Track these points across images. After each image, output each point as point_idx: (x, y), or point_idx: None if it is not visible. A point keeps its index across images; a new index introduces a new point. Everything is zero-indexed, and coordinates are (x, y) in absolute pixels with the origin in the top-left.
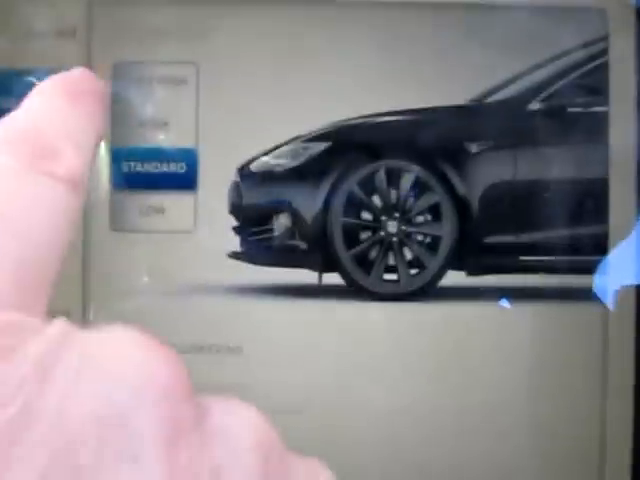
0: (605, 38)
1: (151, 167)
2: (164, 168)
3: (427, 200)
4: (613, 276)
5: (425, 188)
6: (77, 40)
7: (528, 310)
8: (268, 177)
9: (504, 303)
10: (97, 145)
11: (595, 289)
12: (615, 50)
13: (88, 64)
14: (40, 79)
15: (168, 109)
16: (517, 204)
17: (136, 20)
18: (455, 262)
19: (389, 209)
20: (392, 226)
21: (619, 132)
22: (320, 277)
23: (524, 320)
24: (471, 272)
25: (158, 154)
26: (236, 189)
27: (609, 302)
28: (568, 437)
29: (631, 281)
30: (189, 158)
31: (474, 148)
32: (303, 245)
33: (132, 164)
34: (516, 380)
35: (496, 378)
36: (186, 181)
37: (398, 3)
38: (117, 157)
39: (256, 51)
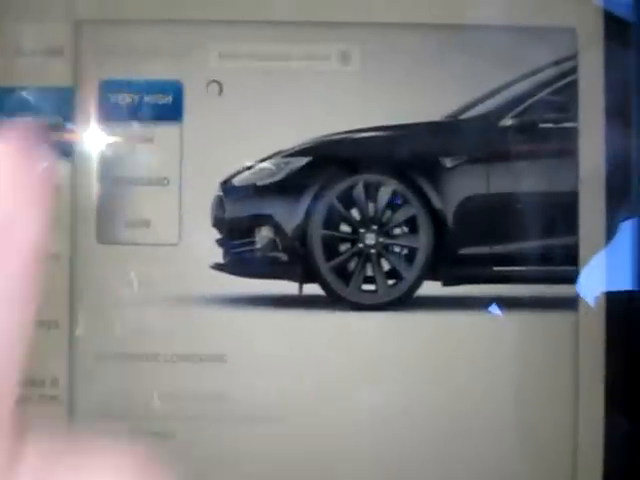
0: (574, 57)
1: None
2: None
3: (404, 213)
4: (584, 285)
5: (402, 201)
6: (65, 58)
7: (502, 318)
8: (250, 191)
9: (487, 311)
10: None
11: (566, 298)
12: (584, 68)
13: (75, 82)
14: (29, 96)
15: (152, 129)
16: (490, 216)
17: (122, 39)
18: (431, 273)
19: (367, 222)
20: (370, 238)
21: (588, 147)
22: (301, 288)
23: (498, 328)
24: (446, 282)
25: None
26: (219, 203)
27: (580, 310)
28: (542, 438)
29: (601, 289)
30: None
31: (449, 163)
32: (284, 257)
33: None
34: (491, 385)
35: (471, 383)
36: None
37: (374, 24)
38: None
39: (240, 70)
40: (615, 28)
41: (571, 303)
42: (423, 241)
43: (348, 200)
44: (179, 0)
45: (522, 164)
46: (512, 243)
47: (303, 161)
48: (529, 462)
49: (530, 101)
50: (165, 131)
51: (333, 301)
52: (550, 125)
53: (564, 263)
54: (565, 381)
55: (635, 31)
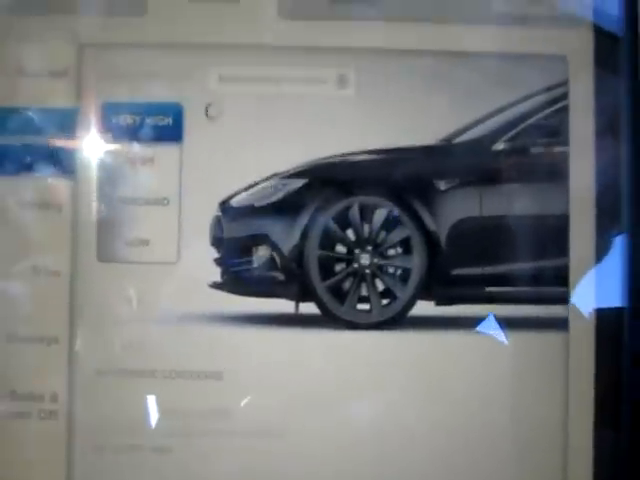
0: (565, 83)
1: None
2: (148, 205)
3: (398, 234)
4: (574, 305)
5: (396, 223)
6: (68, 80)
7: (494, 338)
8: (248, 211)
9: (479, 331)
10: None
11: (557, 318)
12: (575, 94)
13: (78, 103)
14: (33, 116)
15: (153, 149)
16: (483, 238)
17: (124, 62)
18: (424, 293)
19: (362, 242)
20: (365, 258)
21: (579, 171)
22: (297, 306)
23: (491, 347)
24: (440, 302)
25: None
26: (218, 223)
27: (570, 329)
28: (533, 456)
29: (591, 310)
30: (171, 194)
31: (442, 185)
32: (281, 276)
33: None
34: (484, 403)
35: (464, 401)
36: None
37: (370, 49)
38: None
39: (239, 93)
40: (605, 55)
41: (561, 323)
42: (417, 262)
43: (344, 221)
44: (180, 25)
45: (514, 187)
46: (504, 264)
47: (300, 183)
48: (521, 478)
49: (522, 126)
50: (165, 152)
51: (328, 320)
52: (541, 149)
53: (554, 284)
54: (555, 399)
55: (624, 52)
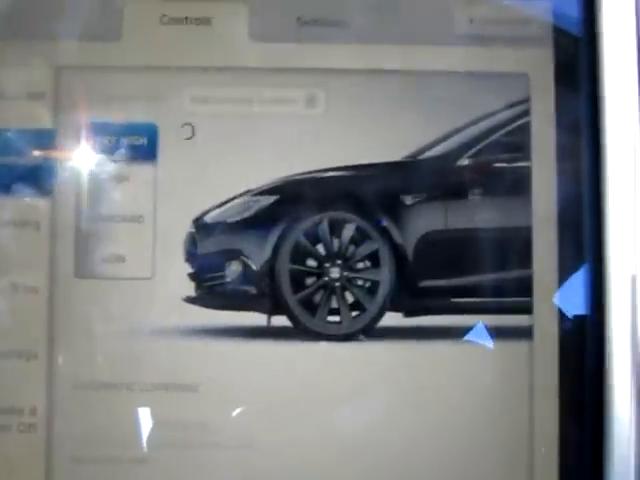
0: (527, 100)
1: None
2: (124, 222)
3: (367, 248)
4: (538, 315)
5: (365, 237)
6: (46, 102)
7: (460, 347)
8: (221, 228)
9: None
10: None
11: (521, 327)
12: (537, 110)
13: (55, 124)
14: (11, 137)
15: (128, 168)
16: (448, 251)
17: (100, 84)
18: (393, 304)
19: (332, 257)
20: (335, 272)
21: (541, 185)
22: (269, 319)
23: (456, 357)
24: (408, 313)
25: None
26: (191, 239)
27: (534, 338)
28: (498, 464)
29: (555, 319)
30: (146, 212)
31: (409, 200)
32: (253, 290)
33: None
34: (451, 411)
35: (431, 410)
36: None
37: (338, 70)
38: None
39: (212, 114)
40: (566, 72)
41: (525, 332)
42: (385, 275)
43: (314, 236)
44: (154, 48)
45: (478, 201)
46: (469, 276)
47: (271, 199)
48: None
49: (485, 142)
50: (140, 171)
51: (300, 332)
52: (504, 165)
53: (518, 294)
54: (520, 407)
55: (584, 69)
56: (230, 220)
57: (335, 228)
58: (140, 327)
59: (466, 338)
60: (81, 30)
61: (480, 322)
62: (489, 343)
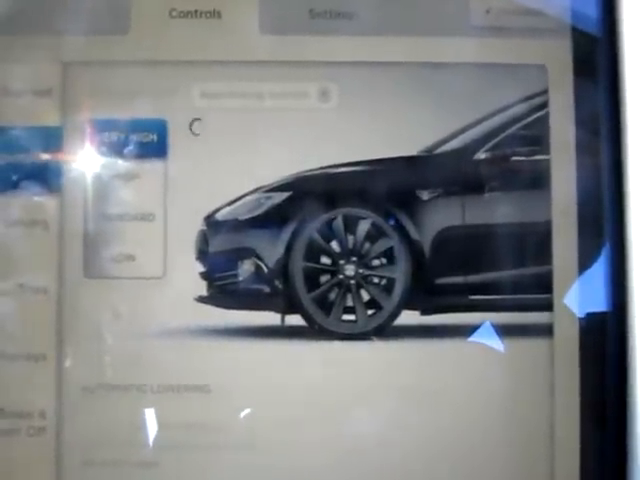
0: (545, 92)
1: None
2: (134, 221)
3: (382, 245)
4: (559, 312)
5: (380, 234)
6: (53, 99)
7: (479, 346)
8: (233, 225)
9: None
10: None
11: (541, 324)
12: (555, 102)
13: (63, 121)
14: (18, 135)
15: (138, 166)
16: (466, 247)
17: (108, 80)
18: (409, 302)
19: (347, 254)
20: (350, 270)
21: (560, 178)
22: (283, 318)
23: (477, 355)
24: (424, 311)
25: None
26: (203, 237)
27: (555, 336)
28: (520, 463)
29: (575, 316)
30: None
31: (425, 195)
32: (266, 289)
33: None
34: (472, 410)
35: (453, 408)
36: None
37: (352, 63)
38: None
39: (222, 109)
40: (584, 63)
41: (546, 330)
42: (401, 272)
43: (328, 233)
44: (163, 42)
45: (496, 196)
46: (487, 272)
47: (283, 196)
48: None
49: (503, 135)
50: (150, 168)
51: (314, 331)
52: (523, 158)
53: (538, 291)
54: (542, 405)
55: (603, 59)
56: (242, 218)
57: (349, 225)
58: (150, 328)
59: (484, 337)
60: (88, 24)
61: (499, 320)
62: (508, 342)
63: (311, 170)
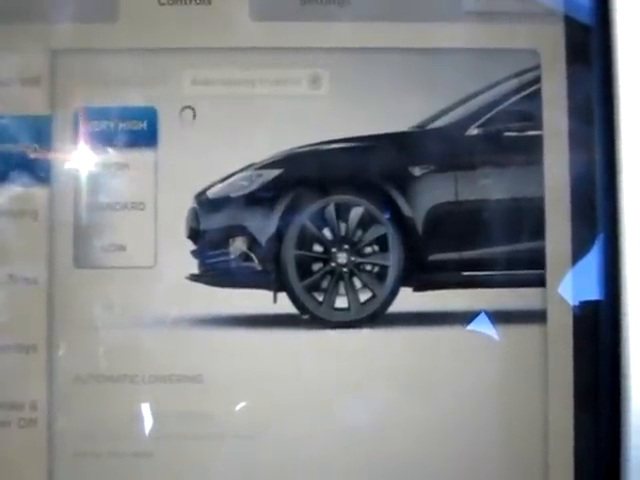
0: (537, 67)
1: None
2: (124, 210)
3: (374, 232)
4: (552, 297)
5: (373, 221)
6: (41, 87)
7: (472, 333)
8: (224, 203)
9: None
10: None
11: (534, 310)
12: (547, 87)
13: (52, 110)
14: (6, 124)
15: (128, 154)
16: (459, 223)
17: (97, 68)
18: (402, 279)
19: (339, 241)
20: (342, 257)
21: (553, 154)
22: (275, 296)
23: (470, 342)
24: (417, 288)
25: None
26: (194, 214)
27: (548, 322)
28: (514, 448)
29: (569, 303)
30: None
31: (417, 171)
32: (258, 267)
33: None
34: (466, 397)
35: (447, 397)
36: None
37: (342, 49)
38: None
39: (213, 96)
40: (577, 46)
41: (540, 317)
42: (394, 259)
43: (320, 220)
44: (152, 29)
45: (489, 171)
46: (480, 248)
47: (275, 172)
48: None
49: (495, 111)
50: (140, 156)
51: (307, 319)
52: (515, 134)
53: (531, 267)
54: (535, 391)
55: (596, 43)
56: (233, 195)
57: (342, 212)
58: (142, 317)
59: (478, 324)
60: (77, 12)
61: (492, 305)
62: (501, 329)
63: (302, 147)
